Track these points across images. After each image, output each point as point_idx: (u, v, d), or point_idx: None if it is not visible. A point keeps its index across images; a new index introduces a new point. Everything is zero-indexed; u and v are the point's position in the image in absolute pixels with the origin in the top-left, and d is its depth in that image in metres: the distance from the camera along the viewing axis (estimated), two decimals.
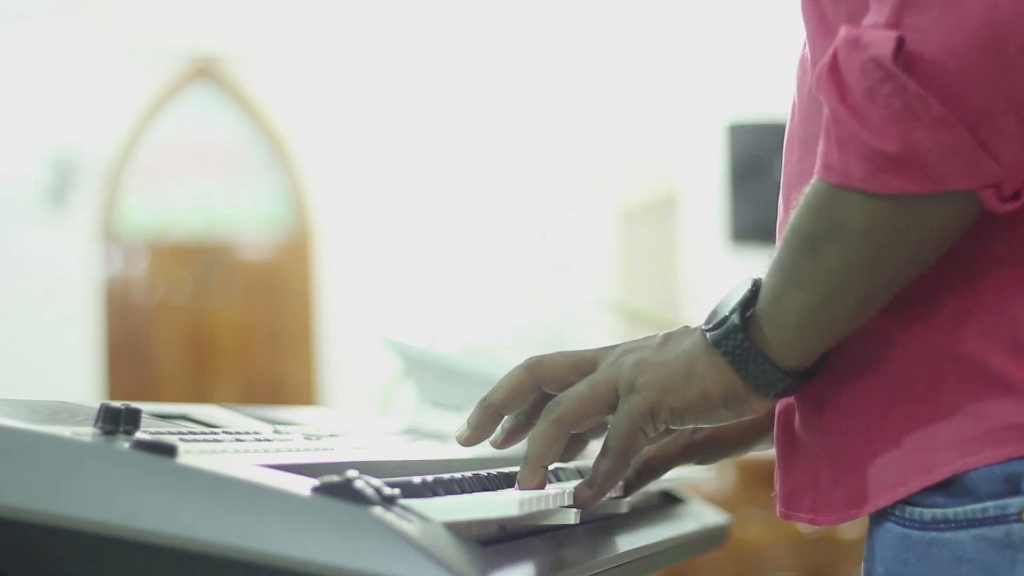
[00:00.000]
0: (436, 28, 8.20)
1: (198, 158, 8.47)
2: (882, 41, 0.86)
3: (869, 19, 0.89)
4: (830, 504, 1.01)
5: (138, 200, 8.43)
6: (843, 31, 0.89)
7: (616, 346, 1.03)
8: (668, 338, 1.01)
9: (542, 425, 1.01)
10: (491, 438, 1.06)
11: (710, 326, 0.98)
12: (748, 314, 0.97)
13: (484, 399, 1.04)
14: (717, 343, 0.97)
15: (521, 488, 1.01)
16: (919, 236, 0.90)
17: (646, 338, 1.03)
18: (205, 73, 8.42)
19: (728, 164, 6.76)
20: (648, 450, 1.22)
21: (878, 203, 0.89)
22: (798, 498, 1.04)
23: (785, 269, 0.95)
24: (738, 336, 0.96)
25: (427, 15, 8.10)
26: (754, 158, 6.45)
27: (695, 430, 1.23)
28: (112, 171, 8.28)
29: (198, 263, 8.47)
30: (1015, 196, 0.89)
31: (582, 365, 1.03)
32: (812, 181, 0.92)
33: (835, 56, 0.89)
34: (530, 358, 1.04)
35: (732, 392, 0.98)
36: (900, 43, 0.85)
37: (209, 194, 8.51)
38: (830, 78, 0.89)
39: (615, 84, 8.09)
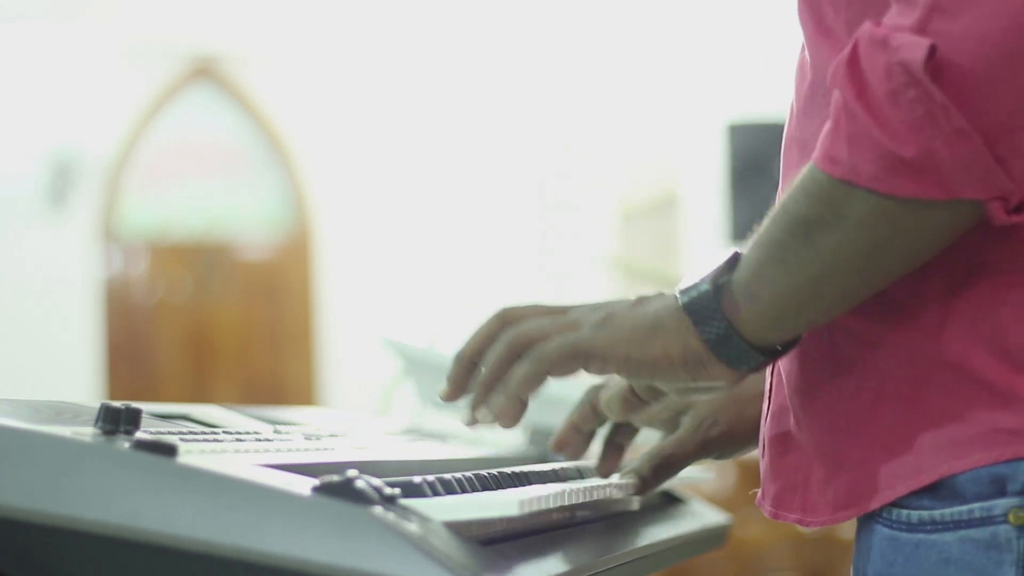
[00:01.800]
0: (436, 28, 8.20)
1: (198, 158, 8.47)
2: (914, 47, 0.85)
3: (893, 19, 0.88)
4: (819, 505, 1.01)
5: (138, 200, 8.42)
6: (867, 27, 0.88)
7: (592, 303, 1.03)
8: (641, 299, 1.01)
9: (497, 346, 1.01)
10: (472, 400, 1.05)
11: (683, 288, 0.98)
12: (722, 282, 0.97)
13: (458, 352, 1.04)
14: (686, 306, 0.97)
15: (449, 384, 1.03)
16: (917, 238, 0.90)
17: (620, 299, 1.03)
18: (205, 73, 8.41)
19: (728, 164, 6.75)
20: (665, 447, 1.23)
21: (885, 202, 0.88)
22: (788, 498, 1.04)
23: (771, 246, 0.95)
24: (709, 301, 0.96)
25: (427, 15, 8.10)
26: (754, 158, 6.45)
27: (712, 424, 1.24)
28: (112, 171, 8.27)
29: (198, 263, 8.47)
30: (1018, 209, 0.89)
31: (552, 312, 1.03)
32: (810, 168, 0.92)
33: (856, 51, 0.88)
34: (502, 307, 1.04)
35: (694, 355, 0.97)
36: (932, 51, 0.85)
37: (209, 194, 8.51)
38: (848, 72, 0.88)
39: (615, 84, 8.09)
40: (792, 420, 1.04)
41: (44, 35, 7.99)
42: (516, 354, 1.00)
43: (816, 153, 0.91)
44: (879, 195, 0.88)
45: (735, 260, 0.97)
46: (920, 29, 0.86)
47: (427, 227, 8.45)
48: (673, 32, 7.58)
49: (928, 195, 0.87)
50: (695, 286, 0.97)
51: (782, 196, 0.95)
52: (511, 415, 1.01)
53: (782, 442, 1.05)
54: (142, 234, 8.46)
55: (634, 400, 1.16)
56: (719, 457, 1.28)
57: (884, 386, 0.96)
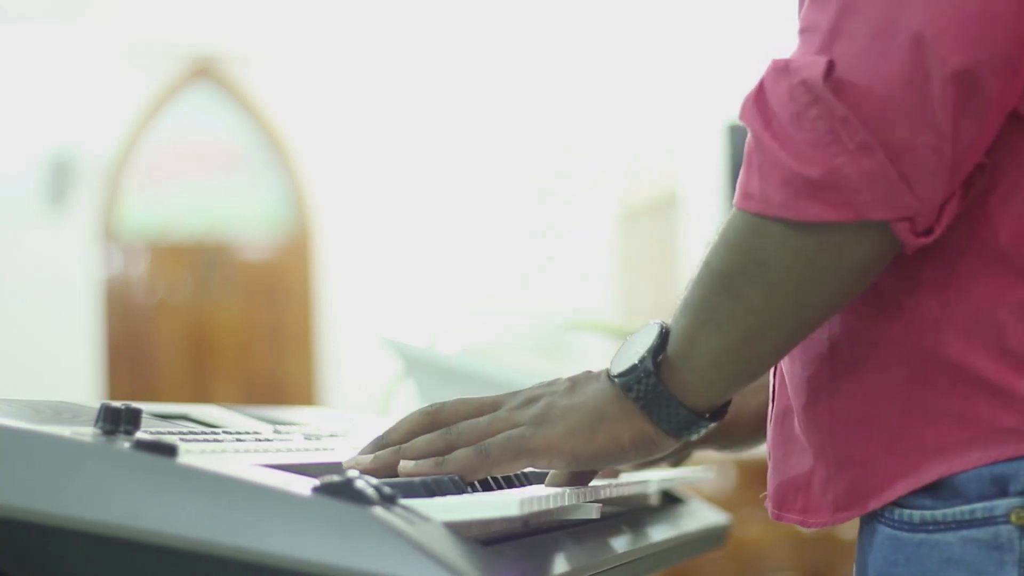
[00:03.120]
0: (436, 28, 8.20)
1: (198, 158, 8.47)
2: (812, 65, 0.87)
3: (798, 51, 0.90)
4: (821, 506, 1.01)
5: (138, 200, 8.42)
6: (771, 61, 0.90)
7: (522, 392, 1.02)
8: (575, 383, 1.00)
9: (431, 435, 0.99)
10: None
11: (619, 372, 0.97)
12: (659, 358, 0.96)
13: (380, 436, 1.02)
14: (628, 388, 0.96)
15: (360, 452, 1.00)
16: (839, 270, 0.90)
17: (551, 382, 1.01)
18: (205, 73, 8.41)
19: (728, 164, 6.76)
20: None
21: (799, 236, 0.89)
22: (791, 499, 1.04)
23: (701, 309, 0.94)
24: (650, 381, 0.95)
25: (427, 15, 8.10)
26: None
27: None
28: (112, 171, 8.27)
29: (198, 263, 8.47)
30: (927, 232, 0.90)
31: (484, 408, 1.01)
32: (730, 215, 0.92)
33: (761, 84, 0.91)
34: (431, 404, 1.02)
35: (642, 436, 0.97)
36: (830, 67, 0.86)
37: (209, 194, 8.51)
38: (755, 105, 0.90)
39: (615, 84, 8.09)
40: (795, 422, 1.04)
41: (44, 35, 7.99)
42: (447, 447, 0.98)
43: (734, 196, 0.92)
44: (793, 228, 0.88)
45: (666, 333, 0.96)
46: (824, 52, 0.88)
47: (427, 227, 8.45)
48: (673, 32, 7.58)
49: (834, 217, 0.87)
50: (633, 369, 0.96)
51: (705, 252, 0.95)
52: (425, 473, 0.97)
53: (785, 443, 1.05)
54: (142, 234, 8.46)
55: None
56: (720, 449, 1.28)
57: (884, 386, 0.96)
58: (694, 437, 0.98)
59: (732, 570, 4.58)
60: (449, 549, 0.78)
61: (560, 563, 0.93)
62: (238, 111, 8.48)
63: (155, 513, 0.77)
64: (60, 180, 8.07)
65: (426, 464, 0.97)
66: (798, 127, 0.87)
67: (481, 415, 1.00)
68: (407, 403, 1.84)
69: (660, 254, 7.50)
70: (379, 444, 1.01)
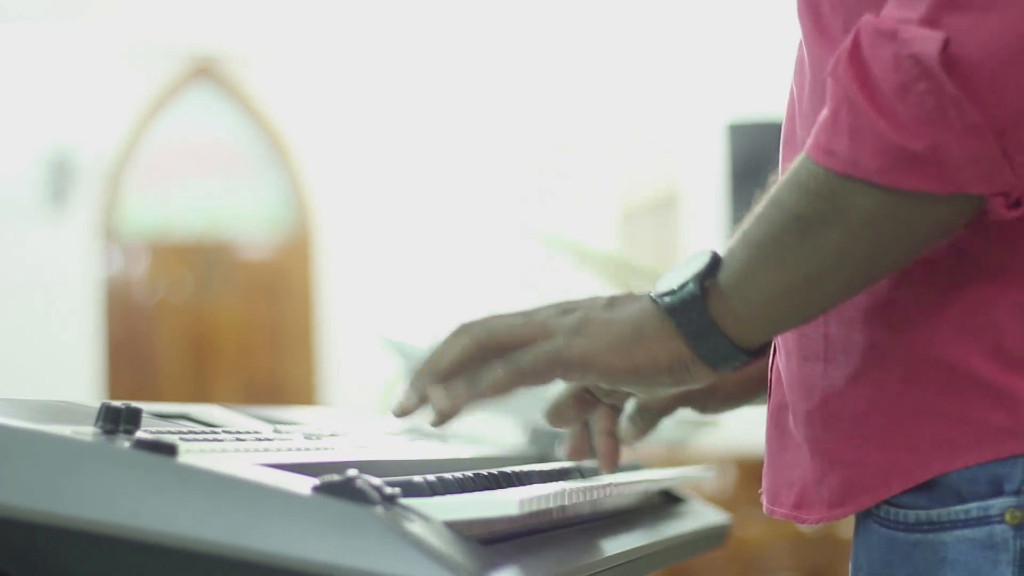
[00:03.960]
0: (436, 28, 8.20)
1: (198, 158, 8.47)
2: (927, 39, 0.84)
3: (897, 11, 0.87)
4: (814, 502, 1.01)
5: (138, 200, 8.42)
6: (868, 19, 0.87)
7: (558, 303, 0.99)
8: (614, 301, 0.98)
9: (455, 336, 0.97)
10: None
11: (663, 292, 0.95)
12: (708, 284, 0.94)
13: (420, 367, 0.98)
14: (671, 311, 0.94)
15: (410, 393, 0.96)
16: (917, 232, 0.89)
17: (589, 298, 0.99)
18: (205, 73, 8.41)
19: (728, 164, 6.76)
20: (645, 400, 1.21)
21: (887, 195, 0.87)
22: (784, 495, 1.04)
23: (764, 245, 0.92)
24: (696, 306, 0.93)
25: (427, 15, 8.10)
26: (754, 158, 6.45)
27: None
28: (112, 171, 8.27)
29: (198, 263, 8.47)
30: (1017, 204, 0.89)
31: (519, 317, 0.98)
32: (803, 161, 0.90)
33: (858, 42, 0.87)
34: (462, 325, 0.98)
35: (678, 361, 0.95)
36: (945, 45, 0.84)
37: (209, 194, 8.51)
38: (851, 64, 0.87)
39: (615, 84, 8.09)
40: (790, 417, 1.03)
41: (44, 35, 7.99)
42: (485, 356, 0.96)
43: (810, 145, 0.90)
44: (880, 188, 0.87)
45: (716, 261, 0.95)
46: (929, 22, 0.85)
47: (427, 227, 8.45)
48: (673, 32, 7.58)
49: (932, 189, 0.86)
50: (678, 289, 0.94)
51: (772, 191, 0.93)
52: (455, 412, 0.96)
53: (780, 439, 1.05)
54: (142, 234, 8.46)
55: (590, 401, 1.12)
56: (703, 411, 1.27)
57: (878, 384, 0.96)
58: (726, 370, 0.96)
59: (732, 570, 4.58)
60: (449, 549, 0.78)
61: (560, 563, 0.93)
62: (238, 111, 8.48)
63: (155, 513, 0.77)
64: (60, 180, 8.07)
65: (460, 395, 0.95)
66: (902, 99, 0.85)
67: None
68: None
69: (660, 254, 7.50)
70: (419, 372, 0.98)
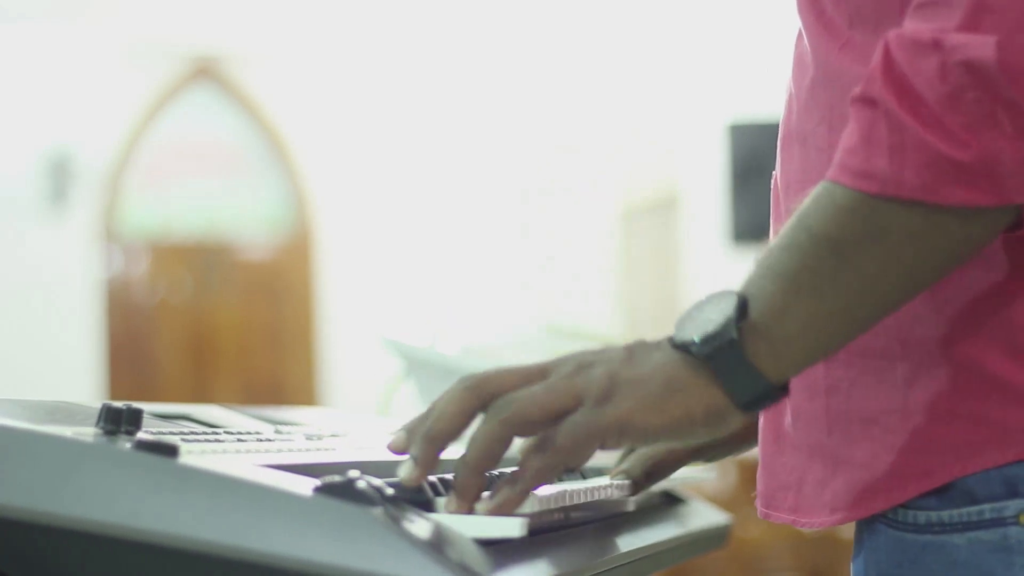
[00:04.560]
0: (436, 28, 8.21)
1: (198, 158, 8.47)
2: (980, 44, 0.83)
3: (928, 23, 0.85)
4: (814, 506, 0.99)
5: (138, 200, 8.43)
6: (898, 33, 0.85)
7: (571, 357, 0.92)
8: (632, 351, 0.91)
9: (487, 426, 0.89)
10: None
11: (695, 339, 0.89)
12: (741, 325, 0.89)
13: (427, 431, 0.90)
14: (709, 358, 0.89)
15: (458, 495, 0.89)
16: (961, 245, 0.87)
17: (604, 350, 0.92)
18: (205, 73, 8.42)
19: (728, 164, 6.76)
20: (656, 450, 1.20)
21: (931, 212, 0.85)
22: (781, 498, 1.02)
23: (798, 275, 0.88)
24: (734, 351, 0.88)
25: (427, 15, 8.10)
26: (754, 158, 6.46)
27: None
28: (112, 171, 8.28)
29: (198, 263, 8.47)
30: None
31: (531, 376, 0.91)
32: (830, 187, 0.87)
33: (890, 57, 0.85)
34: (470, 377, 0.91)
35: (715, 408, 0.89)
36: (999, 48, 0.82)
37: (209, 194, 8.51)
38: (887, 80, 0.85)
39: (616, 84, 8.09)
40: (788, 418, 1.02)
41: (44, 35, 8.00)
42: (513, 435, 0.90)
43: (838, 170, 0.87)
44: (924, 205, 0.85)
45: (745, 300, 0.90)
46: (970, 28, 0.83)
47: (427, 227, 8.45)
48: (673, 32, 7.58)
49: (980, 201, 0.84)
50: (715, 336, 0.89)
51: (794, 220, 0.89)
52: (517, 505, 0.90)
53: (776, 441, 1.03)
54: (142, 234, 8.46)
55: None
56: (711, 459, 1.25)
57: (886, 385, 0.94)
58: (759, 411, 0.92)
59: (732, 570, 4.58)
60: (450, 549, 0.78)
61: (560, 563, 0.92)
62: (238, 111, 8.49)
63: (156, 513, 0.77)
64: (60, 180, 8.07)
65: (504, 498, 0.89)
66: (952, 108, 0.83)
67: (530, 384, 0.90)
68: (407, 403, 1.85)
69: (660, 254, 7.50)
70: (429, 441, 0.91)
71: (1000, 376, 0.90)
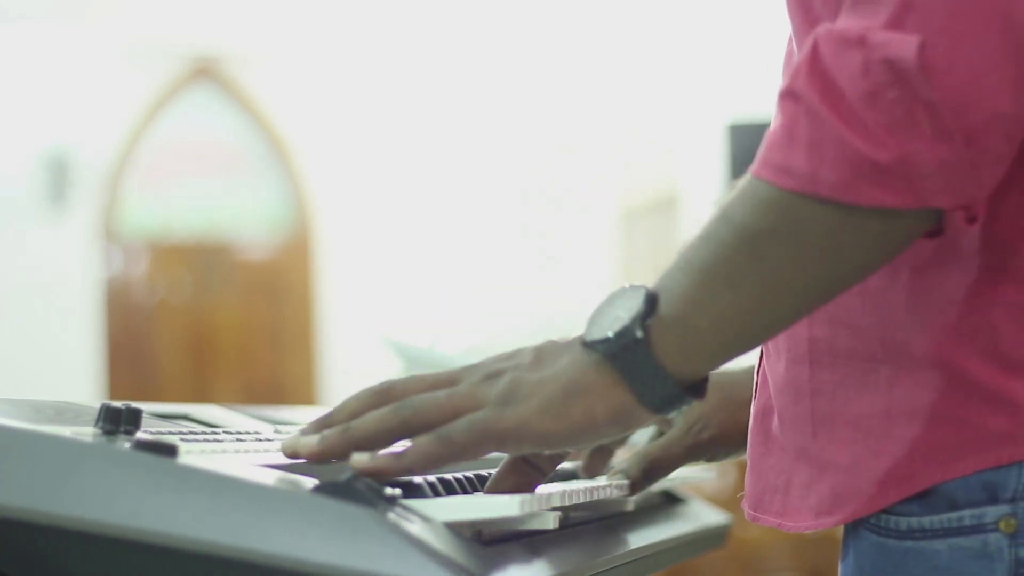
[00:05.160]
0: (436, 28, 8.20)
1: (198, 158, 8.47)
2: (901, 43, 0.81)
3: (857, 19, 0.84)
4: (800, 509, 0.98)
5: (138, 200, 8.43)
6: (825, 28, 0.84)
7: (480, 365, 0.91)
8: (540, 354, 0.90)
9: (382, 410, 0.89)
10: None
11: (600, 338, 0.88)
12: (648, 323, 0.87)
13: (325, 415, 0.91)
14: (611, 357, 0.87)
15: (320, 445, 0.88)
16: (876, 247, 0.86)
17: (514, 353, 0.92)
18: (205, 73, 8.42)
19: (728, 164, 6.76)
20: (653, 450, 1.20)
21: (846, 211, 0.84)
22: (767, 500, 1.01)
23: (712, 266, 0.87)
24: (638, 348, 0.87)
25: (427, 15, 8.10)
26: (754, 158, 6.45)
27: (702, 428, 1.21)
28: (112, 171, 8.28)
29: (198, 263, 8.47)
30: (974, 219, 0.86)
31: (439, 383, 0.91)
32: (751, 182, 0.87)
33: (816, 51, 0.84)
34: (382, 382, 0.91)
35: (620, 410, 0.88)
36: (922, 48, 0.81)
37: (209, 194, 8.51)
38: (810, 74, 0.83)
39: (615, 84, 8.09)
40: (775, 421, 1.01)
41: (44, 35, 8.00)
42: (408, 431, 0.89)
43: (759, 164, 0.86)
44: (840, 205, 0.83)
45: (653, 297, 0.88)
46: (895, 27, 0.82)
47: (427, 227, 8.45)
48: (673, 32, 7.58)
49: (894, 203, 0.83)
50: (620, 335, 0.87)
51: (715, 212, 0.89)
52: (389, 476, 0.88)
53: (764, 443, 1.02)
54: (142, 234, 8.46)
55: (531, 473, 1.00)
56: (710, 460, 1.24)
57: (869, 388, 0.93)
58: (671, 415, 0.90)
59: (732, 570, 4.58)
60: (449, 549, 0.78)
61: (560, 563, 0.92)
62: (238, 111, 8.49)
63: (155, 513, 0.77)
64: (60, 180, 8.07)
65: (383, 460, 0.88)
66: (871, 107, 0.82)
67: (437, 389, 0.90)
68: None
69: (660, 254, 7.50)
70: (324, 423, 0.91)
71: (981, 381, 0.89)
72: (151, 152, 8.39)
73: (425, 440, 0.88)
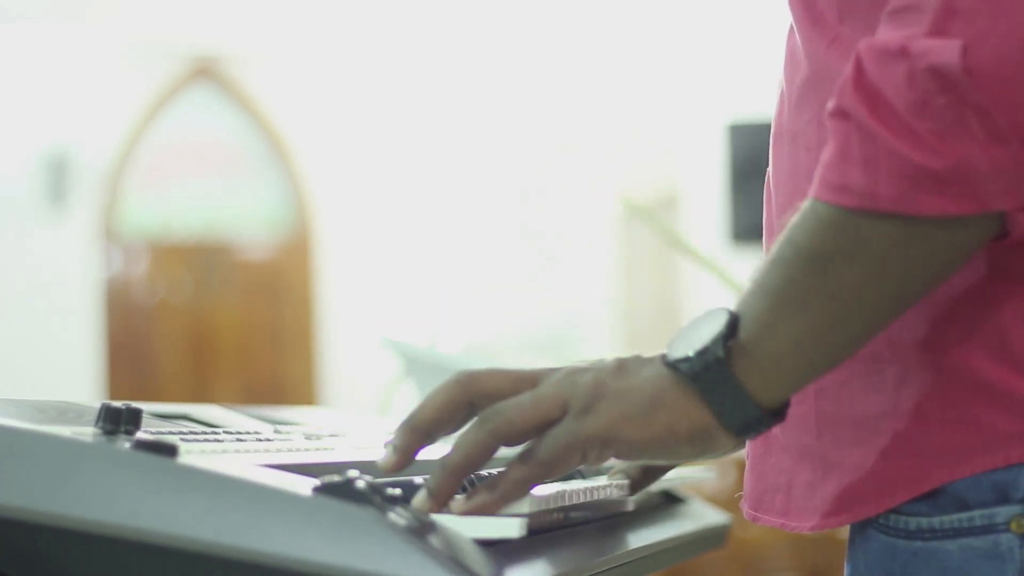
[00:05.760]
0: (436, 28, 8.21)
1: (198, 158, 8.47)
2: (943, 50, 0.81)
3: (900, 29, 0.84)
4: (804, 509, 0.98)
5: (138, 200, 8.43)
6: (867, 42, 0.84)
7: (561, 367, 0.91)
8: (623, 365, 0.90)
9: (474, 433, 0.89)
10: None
11: (682, 357, 0.88)
12: (730, 344, 0.88)
13: (410, 418, 0.91)
14: (694, 376, 0.88)
15: (431, 495, 0.88)
16: (943, 257, 0.86)
17: (596, 361, 0.92)
18: (205, 73, 8.42)
19: (728, 164, 6.77)
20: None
21: (908, 224, 0.84)
22: (769, 500, 1.01)
23: (782, 290, 0.87)
24: (720, 369, 0.87)
25: (427, 15, 8.10)
26: (754, 158, 6.46)
27: None
28: (112, 171, 8.28)
29: (198, 263, 8.47)
30: None
31: (522, 382, 0.90)
32: (812, 203, 0.87)
33: (861, 67, 0.84)
34: (462, 372, 0.91)
35: (701, 429, 0.88)
36: (965, 52, 0.80)
37: (209, 194, 8.52)
38: (857, 91, 0.83)
39: (616, 84, 8.09)
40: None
41: (44, 35, 8.00)
42: (500, 443, 0.89)
43: (818, 186, 0.86)
44: (902, 217, 0.83)
45: (735, 320, 0.89)
46: (938, 33, 0.82)
47: (427, 227, 8.45)
48: (673, 32, 7.58)
49: (956, 211, 0.83)
50: (701, 354, 0.88)
51: (781, 236, 0.89)
52: (491, 511, 0.89)
53: (765, 442, 1.02)
54: (142, 234, 8.46)
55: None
56: (709, 458, 1.24)
57: (875, 388, 0.93)
58: (752, 437, 0.90)
59: (732, 570, 4.58)
60: (449, 549, 0.78)
61: (560, 563, 0.92)
62: (238, 111, 8.49)
63: (155, 513, 0.77)
64: (60, 180, 8.07)
65: (480, 500, 0.88)
66: (921, 116, 0.81)
67: (519, 388, 0.90)
68: (407, 403, 1.85)
69: (660, 254, 7.50)
70: (410, 429, 0.91)
71: (989, 381, 0.89)
72: (151, 152, 8.39)
73: (516, 469, 0.89)
